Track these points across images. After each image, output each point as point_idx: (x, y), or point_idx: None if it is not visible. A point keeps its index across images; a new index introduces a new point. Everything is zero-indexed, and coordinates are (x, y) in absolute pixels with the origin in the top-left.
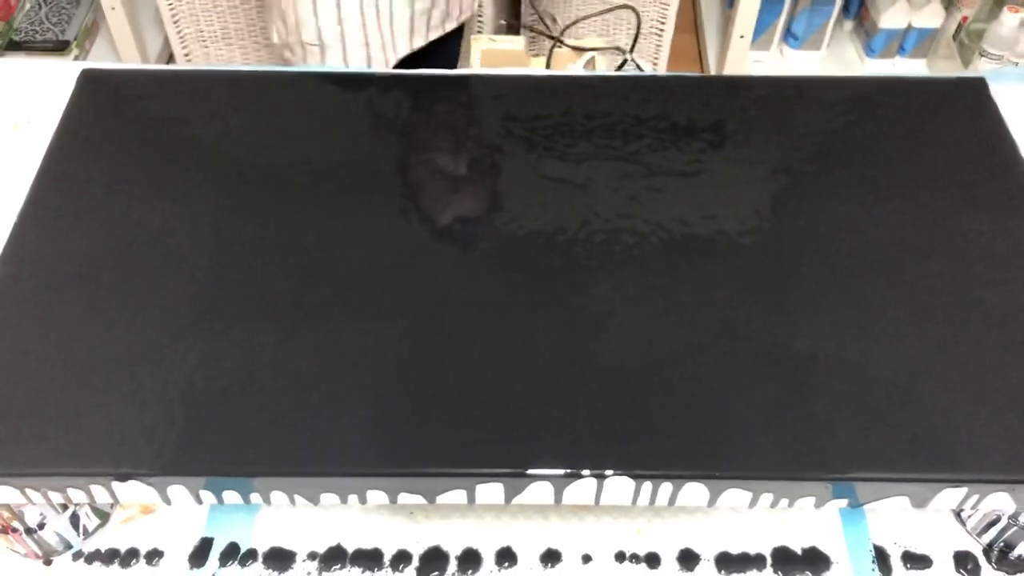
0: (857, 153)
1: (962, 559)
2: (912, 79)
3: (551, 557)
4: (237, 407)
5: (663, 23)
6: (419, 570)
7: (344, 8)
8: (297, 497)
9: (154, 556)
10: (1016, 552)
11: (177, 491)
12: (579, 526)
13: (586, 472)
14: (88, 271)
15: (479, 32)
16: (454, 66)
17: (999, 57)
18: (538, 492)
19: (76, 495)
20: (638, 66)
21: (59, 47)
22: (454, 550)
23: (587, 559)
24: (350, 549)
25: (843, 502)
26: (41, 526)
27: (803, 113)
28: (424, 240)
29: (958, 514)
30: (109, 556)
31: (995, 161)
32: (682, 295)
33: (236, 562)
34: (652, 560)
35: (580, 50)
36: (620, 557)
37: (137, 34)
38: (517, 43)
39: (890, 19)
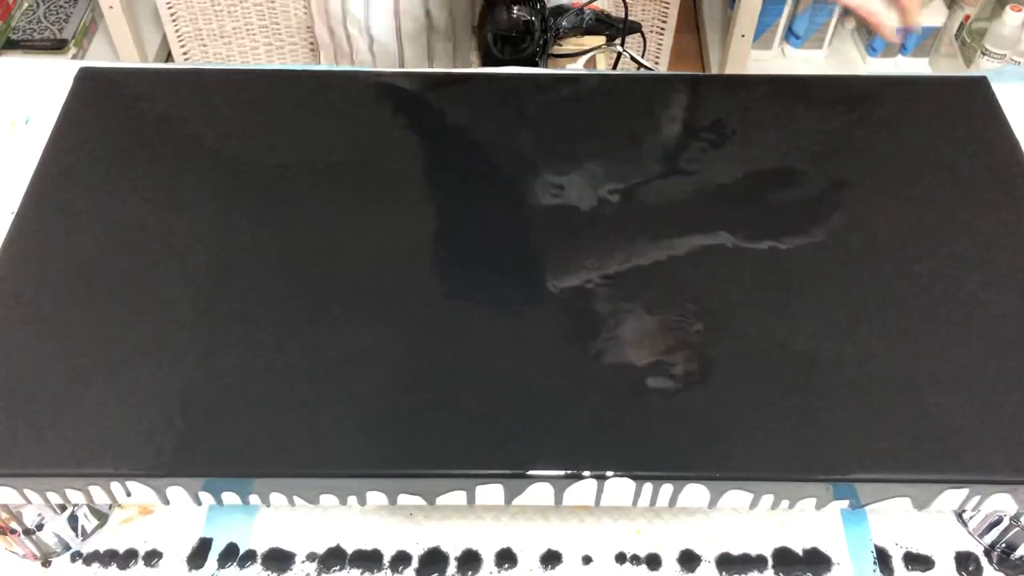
0: (858, 152)
1: (964, 560)
2: (914, 78)
3: (551, 558)
4: (236, 408)
5: (664, 23)
6: (418, 571)
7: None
8: (296, 498)
9: (153, 557)
10: (1018, 553)
11: (176, 492)
12: (579, 527)
13: (586, 473)
14: (86, 270)
15: None
16: None
17: (1001, 56)
18: (538, 493)
19: (74, 496)
20: (634, 59)
21: (57, 46)
22: (454, 551)
23: (587, 560)
24: (349, 550)
25: (844, 503)
26: (39, 527)
27: (805, 112)
28: (424, 240)
29: (960, 515)
30: (108, 557)
31: (997, 160)
32: (682, 295)
33: (235, 563)
34: (653, 561)
35: (577, 55)
36: (620, 558)
37: (135, 33)
38: None
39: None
